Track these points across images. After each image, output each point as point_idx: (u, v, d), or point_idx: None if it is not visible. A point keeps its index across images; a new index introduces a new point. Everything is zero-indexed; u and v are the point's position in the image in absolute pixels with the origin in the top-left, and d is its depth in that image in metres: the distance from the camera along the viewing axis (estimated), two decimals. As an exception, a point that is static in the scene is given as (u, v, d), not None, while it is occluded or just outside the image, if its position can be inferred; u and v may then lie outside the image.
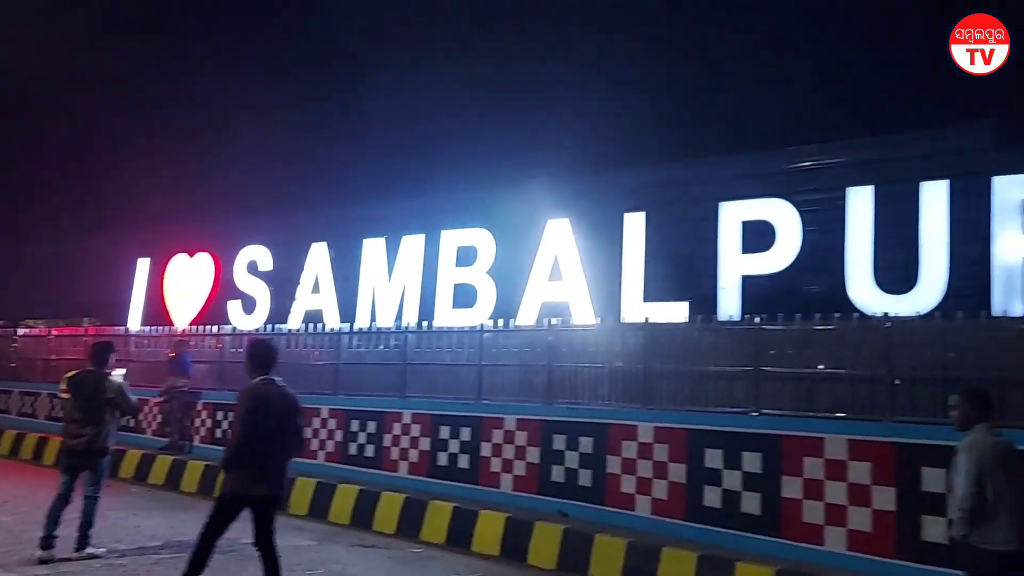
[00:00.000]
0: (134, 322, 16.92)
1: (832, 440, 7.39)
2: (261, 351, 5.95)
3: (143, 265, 17.41)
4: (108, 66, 22.39)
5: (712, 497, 8.00)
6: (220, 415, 12.92)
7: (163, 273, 17.07)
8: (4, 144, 25.54)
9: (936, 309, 8.26)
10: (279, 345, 12.61)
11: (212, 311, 15.88)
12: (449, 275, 12.59)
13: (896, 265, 9.15)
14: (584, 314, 10.89)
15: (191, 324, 15.79)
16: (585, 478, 8.97)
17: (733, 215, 10.21)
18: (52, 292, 21.68)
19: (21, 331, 19.42)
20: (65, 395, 7.68)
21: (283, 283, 14.71)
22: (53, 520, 7.31)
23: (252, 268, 15.36)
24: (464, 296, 12.34)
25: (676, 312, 10.04)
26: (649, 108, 14.70)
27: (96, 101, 23.41)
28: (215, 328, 14.52)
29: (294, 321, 14.01)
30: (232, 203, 18.38)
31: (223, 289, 15.92)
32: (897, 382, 7.42)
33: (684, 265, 11.11)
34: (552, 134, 15.27)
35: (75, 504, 7.50)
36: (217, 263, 16.27)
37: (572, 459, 9.11)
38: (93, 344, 8.16)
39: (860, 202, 9.43)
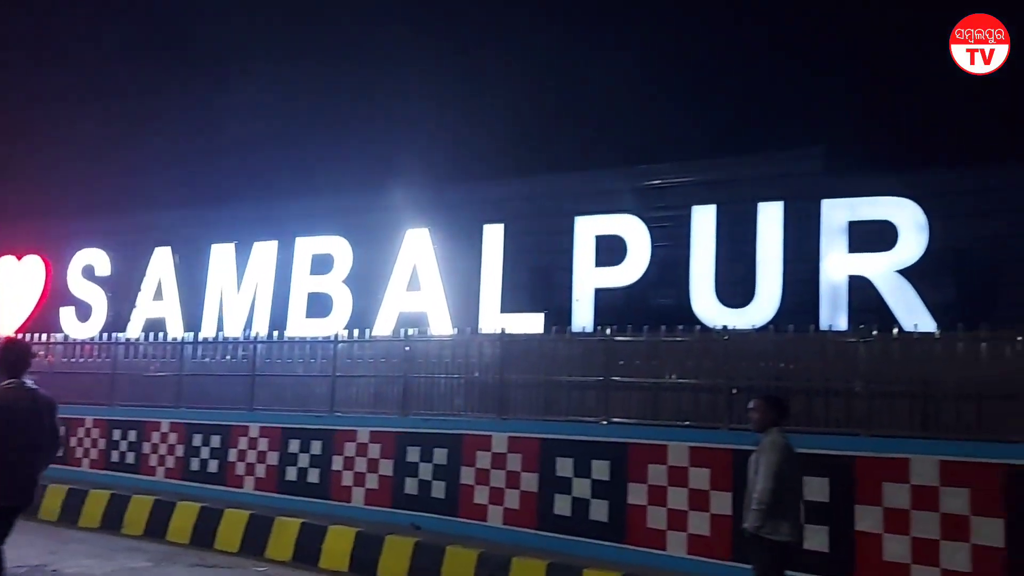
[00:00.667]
0: (-50, 329, 15.44)
1: (675, 447, 7.71)
2: (10, 354, 5.48)
3: (-38, 267, 15.93)
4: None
5: (562, 505, 8.15)
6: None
7: (-14, 277, 15.69)
8: None
9: (770, 323, 8.80)
10: (116, 355, 12.24)
11: (41, 318, 14.74)
12: (303, 283, 12.25)
13: (735, 280, 9.68)
14: (442, 324, 10.89)
15: (17, 332, 14.59)
16: (439, 490, 8.93)
17: (588, 229, 10.49)
18: None
19: None
20: None
21: (122, 289, 13.91)
22: None
23: (88, 273, 14.40)
24: (319, 305, 12.04)
25: (532, 323, 10.19)
26: (509, 122, 14.88)
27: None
28: (44, 336, 13.48)
29: (134, 329, 13.24)
30: (66, 202, 17.08)
31: (55, 295, 14.84)
32: (734, 391, 7.84)
33: (540, 277, 11.30)
34: (412, 144, 15.19)
35: None
36: (48, 267, 15.14)
37: (426, 471, 9.05)
38: None
39: (704, 220, 9.90)
